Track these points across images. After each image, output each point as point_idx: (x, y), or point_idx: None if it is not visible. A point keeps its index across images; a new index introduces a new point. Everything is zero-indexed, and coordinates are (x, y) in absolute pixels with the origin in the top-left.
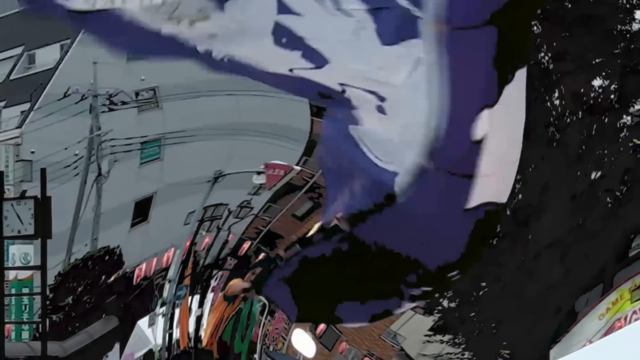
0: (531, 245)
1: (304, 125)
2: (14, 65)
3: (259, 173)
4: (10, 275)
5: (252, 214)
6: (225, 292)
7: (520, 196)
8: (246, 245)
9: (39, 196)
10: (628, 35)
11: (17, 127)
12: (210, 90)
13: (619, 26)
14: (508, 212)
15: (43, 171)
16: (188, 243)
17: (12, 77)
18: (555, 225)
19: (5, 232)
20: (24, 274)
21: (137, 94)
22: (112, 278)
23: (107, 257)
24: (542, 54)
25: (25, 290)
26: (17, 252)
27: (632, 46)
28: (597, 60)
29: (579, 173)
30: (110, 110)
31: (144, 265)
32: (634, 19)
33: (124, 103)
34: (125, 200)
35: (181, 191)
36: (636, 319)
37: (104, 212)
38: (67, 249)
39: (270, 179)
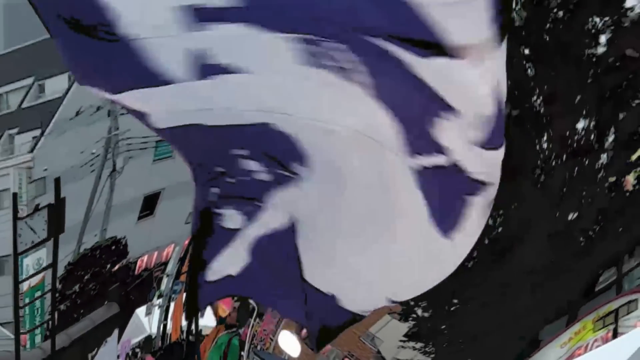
0: (505, 273)
1: None
2: (26, 94)
3: None
4: (24, 286)
5: None
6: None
7: (500, 229)
8: None
9: (53, 202)
10: (594, 59)
11: (29, 152)
12: None
13: (586, 51)
14: (486, 241)
15: (57, 180)
16: (187, 242)
17: (23, 106)
18: (530, 259)
19: (19, 248)
20: (36, 279)
21: None
22: (117, 267)
23: (113, 247)
24: (535, 97)
25: (38, 294)
26: (30, 262)
27: (599, 70)
28: (578, 98)
29: (558, 214)
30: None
31: (145, 257)
32: (599, 43)
33: None
34: (136, 194)
35: (187, 189)
36: (597, 347)
37: (115, 204)
38: (78, 239)
39: None
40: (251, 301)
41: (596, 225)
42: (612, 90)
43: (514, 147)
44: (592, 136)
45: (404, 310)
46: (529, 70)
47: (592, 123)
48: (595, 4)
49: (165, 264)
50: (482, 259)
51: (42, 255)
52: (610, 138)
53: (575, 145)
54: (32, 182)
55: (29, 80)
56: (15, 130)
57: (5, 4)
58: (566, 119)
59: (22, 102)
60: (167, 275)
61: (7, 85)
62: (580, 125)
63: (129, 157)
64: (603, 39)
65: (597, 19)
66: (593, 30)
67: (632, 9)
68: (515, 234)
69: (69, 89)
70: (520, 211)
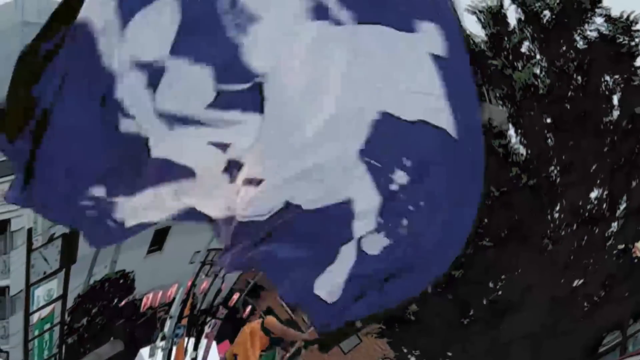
0: (503, 333)
1: None
2: None
3: None
4: (34, 318)
5: None
6: (273, 330)
7: (500, 292)
8: (235, 296)
9: (68, 232)
10: (611, 127)
11: None
12: None
13: (604, 119)
14: (485, 302)
15: None
16: (189, 283)
17: None
18: (531, 321)
19: (32, 279)
20: (46, 310)
21: None
22: (123, 302)
23: (121, 281)
24: (552, 167)
25: (47, 326)
26: (41, 293)
27: (616, 138)
28: (594, 167)
29: (562, 280)
30: None
31: (151, 295)
32: (614, 107)
33: None
34: None
35: (194, 227)
36: None
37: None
38: (89, 270)
39: None
40: None
41: (602, 290)
42: (626, 156)
43: (525, 216)
44: (605, 205)
45: (398, 357)
46: (550, 140)
47: (605, 192)
48: (606, 62)
49: (169, 304)
50: (480, 317)
51: (53, 286)
52: (622, 206)
53: (587, 214)
54: None
55: None
56: None
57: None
58: (580, 188)
59: None
60: (170, 317)
61: None
62: (594, 194)
63: None
64: (615, 100)
65: (608, 77)
66: (606, 92)
67: None
68: (516, 297)
69: None
70: (524, 276)
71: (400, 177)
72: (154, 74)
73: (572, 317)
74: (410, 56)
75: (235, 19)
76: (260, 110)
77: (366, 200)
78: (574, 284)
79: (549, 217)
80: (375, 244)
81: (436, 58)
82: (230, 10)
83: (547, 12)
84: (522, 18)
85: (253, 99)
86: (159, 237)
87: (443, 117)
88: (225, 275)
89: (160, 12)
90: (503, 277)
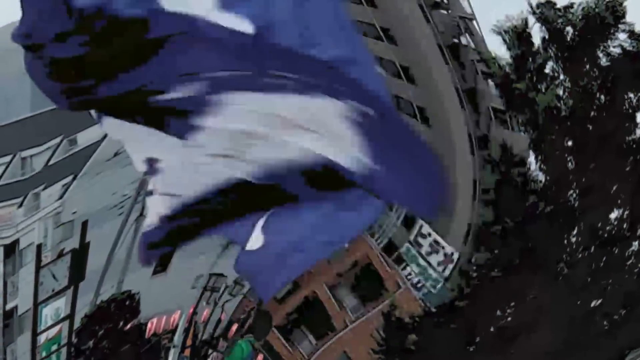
0: (514, 357)
1: None
2: (53, 153)
3: None
4: (42, 338)
5: (242, 293)
6: None
7: (509, 319)
8: (234, 327)
9: (78, 247)
10: (634, 145)
11: (58, 199)
12: None
13: (626, 137)
14: (492, 329)
15: (84, 224)
16: (191, 310)
17: (50, 163)
18: (543, 343)
19: (40, 296)
20: (53, 331)
21: None
22: (129, 326)
23: (127, 302)
24: (571, 191)
25: (54, 348)
26: (49, 312)
27: (638, 157)
28: (614, 187)
29: (579, 302)
30: None
31: (155, 320)
32: (637, 125)
33: None
34: None
35: (199, 248)
36: None
37: (135, 253)
38: (96, 289)
39: None
40: None
41: (622, 309)
42: None
43: (540, 244)
44: (625, 225)
45: None
46: (570, 163)
47: (626, 212)
48: (630, 78)
49: (172, 331)
50: (486, 344)
51: (61, 304)
52: None
53: (606, 235)
54: (59, 226)
55: (57, 140)
56: (41, 187)
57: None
58: (600, 211)
59: (48, 160)
60: (174, 346)
61: (31, 149)
62: (614, 215)
63: None
64: (639, 117)
65: (632, 95)
66: (630, 110)
67: None
68: (528, 322)
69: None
70: (536, 302)
71: None
72: None
73: (592, 336)
74: None
75: None
76: None
77: None
78: (592, 304)
79: (566, 241)
80: None
81: None
82: None
83: (569, 29)
84: (547, 37)
85: None
86: (164, 258)
87: None
88: (224, 305)
89: None
90: (512, 303)
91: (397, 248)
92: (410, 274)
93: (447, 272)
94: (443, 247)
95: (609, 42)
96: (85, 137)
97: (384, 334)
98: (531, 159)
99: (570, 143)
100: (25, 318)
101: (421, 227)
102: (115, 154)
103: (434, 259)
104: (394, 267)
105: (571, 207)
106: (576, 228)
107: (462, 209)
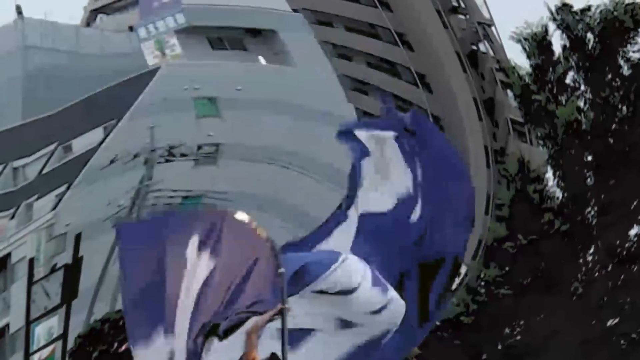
0: None
1: None
2: (47, 161)
3: None
4: (35, 358)
5: None
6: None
7: (518, 337)
8: None
9: (71, 262)
10: None
11: (51, 210)
12: (268, 157)
13: None
14: (499, 347)
15: (78, 237)
16: None
17: (44, 172)
18: None
19: (32, 314)
20: (46, 351)
21: (199, 147)
22: (123, 347)
23: (121, 322)
24: (590, 209)
25: None
26: (42, 331)
27: None
28: (634, 204)
29: (594, 321)
30: (167, 161)
31: None
32: None
33: (183, 155)
34: None
35: None
36: None
37: None
38: (90, 307)
39: None
40: None
41: None
42: None
43: (553, 263)
44: None
45: None
46: (589, 179)
47: None
48: None
49: None
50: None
51: (54, 323)
52: None
53: (624, 252)
54: (52, 239)
55: (51, 147)
56: (34, 198)
57: (23, 76)
58: (619, 228)
59: (42, 169)
60: None
61: (23, 159)
62: (634, 231)
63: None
64: None
65: None
66: None
67: None
68: (537, 341)
69: (104, 139)
70: (548, 321)
71: None
72: None
73: (609, 357)
74: None
75: None
76: None
77: None
78: (608, 324)
79: (581, 260)
80: None
81: None
82: None
83: (590, 36)
84: (567, 45)
85: None
86: None
87: None
88: None
89: None
90: (522, 322)
91: None
92: None
93: (453, 287)
94: None
95: (629, 47)
96: (80, 144)
97: None
98: (549, 174)
99: (590, 158)
100: (18, 337)
101: None
102: (112, 162)
103: None
104: None
105: (589, 224)
106: (593, 247)
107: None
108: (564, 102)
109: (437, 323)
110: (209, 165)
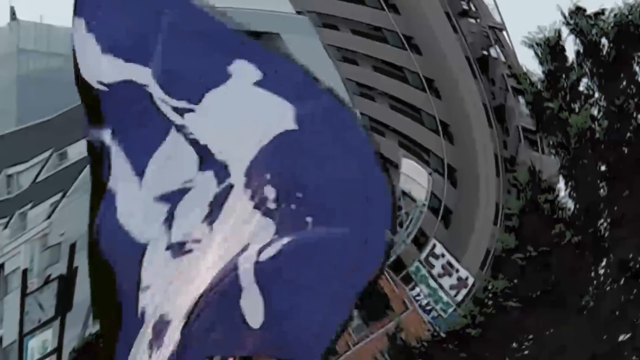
0: None
1: None
2: (41, 169)
3: None
4: None
5: None
6: None
7: (526, 352)
8: None
9: (65, 273)
10: None
11: (45, 219)
12: None
13: None
14: None
15: (72, 247)
16: None
17: (39, 179)
18: None
19: (25, 327)
20: None
21: None
22: None
23: None
24: (602, 221)
25: None
26: (36, 345)
27: None
28: None
29: (605, 336)
30: None
31: None
32: None
33: None
34: None
35: None
36: None
37: None
38: (85, 320)
39: None
40: None
41: None
42: None
43: (563, 276)
44: None
45: None
46: (602, 190)
47: None
48: None
49: None
50: None
51: (48, 337)
52: None
53: (637, 266)
54: (47, 249)
55: (46, 154)
56: (28, 206)
57: (17, 80)
58: (632, 241)
59: (36, 177)
60: None
61: (17, 166)
62: None
63: None
64: None
65: None
66: None
67: None
68: (546, 356)
69: None
70: (557, 335)
71: None
72: None
73: None
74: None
75: None
76: None
77: None
78: (619, 339)
79: (593, 273)
80: None
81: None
82: None
83: (604, 41)
84: (581, 50)
85: None
86: None
87: None
88: None
89: None
90: (531, 336)
91: (406, 266)
92: (419, 294)
93: (459, 297)
94: (457, 270)
95: None
96: (76, 150)
97: (389, 358)
98: (560, 184)
99: (603, 168)
100: (11, 351)
101: (434, 246)
102: None
103: (446, 282)
104: (402, 285)
105: (601, 237)
106: (605, 260)
107: (482, 233)
108: (577, 109)
109: (443, 335)
110: None
